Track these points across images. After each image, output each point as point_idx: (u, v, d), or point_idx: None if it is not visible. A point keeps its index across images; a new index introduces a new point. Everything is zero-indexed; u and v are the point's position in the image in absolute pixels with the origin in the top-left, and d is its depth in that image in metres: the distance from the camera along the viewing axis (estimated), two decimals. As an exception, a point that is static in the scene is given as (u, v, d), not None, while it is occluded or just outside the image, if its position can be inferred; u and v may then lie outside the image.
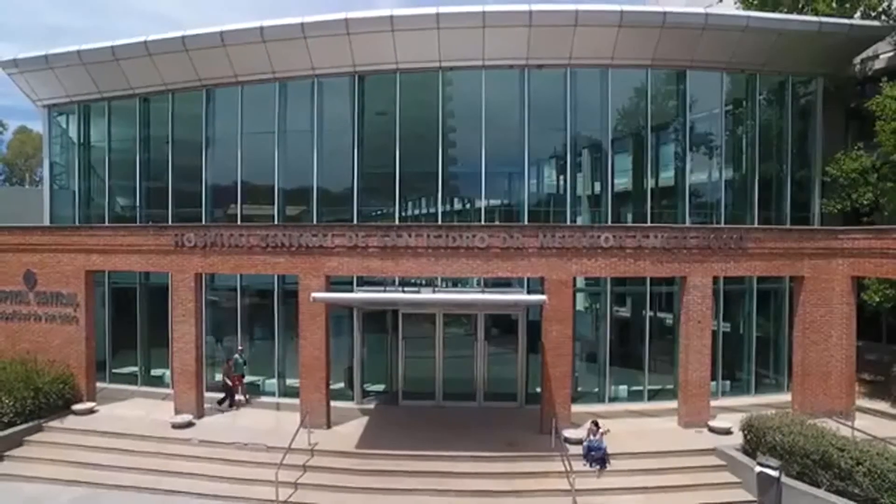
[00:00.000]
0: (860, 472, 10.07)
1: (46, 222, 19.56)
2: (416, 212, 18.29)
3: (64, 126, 20.04)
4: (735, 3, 23.64)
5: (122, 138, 19.13)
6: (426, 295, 14.72)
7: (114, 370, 18.91)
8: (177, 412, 15.40)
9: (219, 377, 17.19)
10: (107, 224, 17.74)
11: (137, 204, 18.86)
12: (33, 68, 18.25)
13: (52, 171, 19.89)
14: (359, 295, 15.54)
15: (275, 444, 13.46)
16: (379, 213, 18.34)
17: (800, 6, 19.29)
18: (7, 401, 14.31)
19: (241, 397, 16.67)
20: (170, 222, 17.99)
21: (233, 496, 12.19)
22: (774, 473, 10.80)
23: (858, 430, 12.55)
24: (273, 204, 17.66)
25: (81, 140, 19.48)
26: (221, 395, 16.43)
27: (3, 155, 74.05)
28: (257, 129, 17.78)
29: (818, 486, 10.60)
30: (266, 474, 12.39)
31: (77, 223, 19.16)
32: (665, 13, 15.78)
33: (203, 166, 18.08)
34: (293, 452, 12.74)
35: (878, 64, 18.78)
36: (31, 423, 14.57)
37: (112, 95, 18.52)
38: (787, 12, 19.43)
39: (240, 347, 17.03)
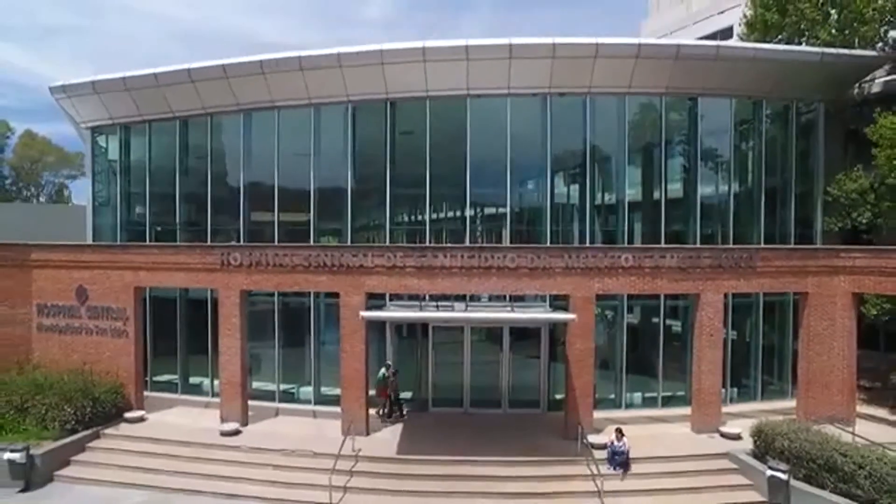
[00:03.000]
0: (861, 475, 11.26)
1: (89, 238, 20.56)
2: (445, 215, 19.35)
3: (104, 145, 20.99)
4: (739, 23, 24.82)
5: (161, 157, 20.08)
6: (466, 314, 15.90)
7: (154, 378, 19.83)
8: (223, 420, 16.45)
9: (258, 384, 18.26)
10: (155, 243, 18.64)
11: (177, 220, 19.82)
12: (80, 94, 19.24)
13: (94, 188, 20.84)
14: (405, 314, 16.66)
15: (321, 451, 14.59)
16: (410, 224, 19.39)
17: (802, 33, 20.39)
18: (69, 409, 15.37)
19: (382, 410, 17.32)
20: (208, 238, 19.10)
21: (287, 499, 13.26)
22: (784, 477, 12.00)
23: (859, 436, 13.72)
24: (308, 213, 18.64)
25: (122, 159, 20.41)
26: (397, 410, 17.24)
27: (9, 159, 74.95)
28: (293, 148, 18.74)
29: (823, 488, 11.79)
30: (316, 479, 13.53)
31: (118, 239, 20.20)
32: (679, 46, 16.91)
33: (241, 185, 19.07)
34: (340, 459, 13.81)
35: (875, 88, 19.90)
36: (90, 431, 15.64)
37: (153, 118, 19.50)
38: (789, 38, 20.66)
39: (388, 362, 17.68)
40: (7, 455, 13.39)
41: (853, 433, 14.00)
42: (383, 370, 17.32)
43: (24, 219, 23.86)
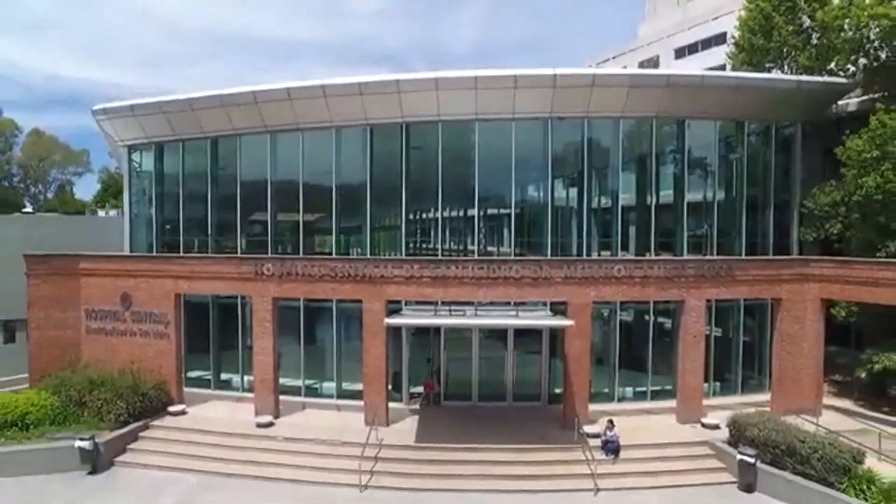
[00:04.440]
0: (815, 458, 13.24)
1: (126, 246, 22.37)
2: (455, 215, 21.33)
3: (138, 160, 22.74)
4: (727, 44, 26.51)
5: (193, 171, 21.83)
6: (476, 320, 18.05)
7: (188, 375, 21.60)
8: (257, 413, 18.35)
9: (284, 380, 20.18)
10: (194, 254, 20.38)
11: (209, 228, 21.59)
12: (119, 116, 21.00)
13: (130, 200, 22.62)
14: (422, 320, 18.46)
15: (348, 440, 16.51)
16: (423, 224, 21.38)
17: (785, 57, 22.12)
18: (121, 404, 17.31)
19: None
20: (238, 242, 20.95)
21: (322, 482, 15.15)
22: (751, 460, 13.96)
23: (820, 426, 15.69)
24: (330, 215, 20.43)
25: (157, 173, 22.17)
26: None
27: (17, 157, 76.87)
28: (317, 161, 20.50)
29: (784, 470, 13.76)
30: (345, 464, 15.47)
31: (154, 247, 22.03)
32: (668, 76, 18.72)
33: (268, 192, 20.81)
34: (366, 447, 15.69)
35: (851, 107, 21.69)
36: (140, 422, 17.60)
37: (186, 137, 21.24)
38: (773, 60, 22.41)
39: (429, 357, 20.43)
40: (78, 443, 15.33)
41: (816, 423, 15.97)
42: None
43: (62, 230, 25.49)
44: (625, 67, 62.47)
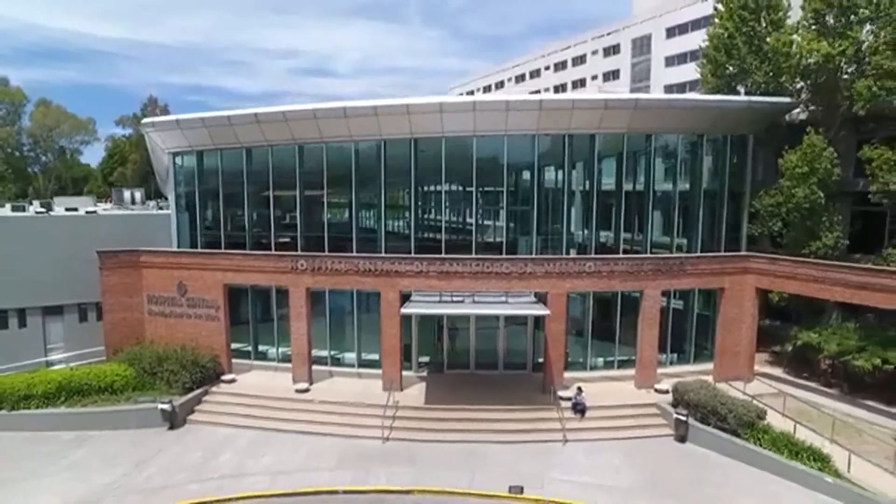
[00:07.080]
0: (731, 416, 17.43)
1: (174, 242, 26.01)
2: (457, 204, 25.23)
3: (180, 163, 26.11)
4: (700, 52, 29.38)
5: (230, 173, 25.21)
6: (473, 310, 21.95)
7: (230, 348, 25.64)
8: (295, 381, 22.48)
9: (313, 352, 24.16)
10: (239, 251, 23.89)
11: (245, 223, 25.19)
12: (166, 129, 24.26)
13: (177, 200, 26.11)
14: (429, 310, 22.21)
15: (370, 402, 20.67)
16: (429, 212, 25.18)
17: (745, 73, 25.18)
18: (186, 374, 21.41)
19: None
20: (272, 241, 24.61)
21: (352, 435, 19.34)
22: (684, 418, 18.18)
23: (744, 392, 19.89)
24: (350, 196, 24.24)
25: (198, 175, 25.59)
26: None
27: (27, 127, 79.20)
28: (337, 170, 23.93)
29: (709, 425, 17.98)
30: (369, 422, 19.64)
31: (198, 241, 25.67)
32: (637, 99, 21.95)
33: (296, 198, 24.34)
34: (386, 408, 19.86)
35: (801, 116, 24.99)
36: (202, 389, 21.72)
37: (223, 147, 24.55)
38: (735, 76, 25.54)
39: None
40: (160, 405, 19.52)
41: (742, 389, 20.17)
42: None
43: (124, 226, 29.01)
44: (618, 45, 64.79)
